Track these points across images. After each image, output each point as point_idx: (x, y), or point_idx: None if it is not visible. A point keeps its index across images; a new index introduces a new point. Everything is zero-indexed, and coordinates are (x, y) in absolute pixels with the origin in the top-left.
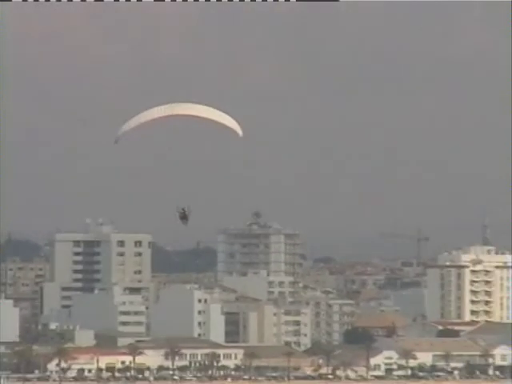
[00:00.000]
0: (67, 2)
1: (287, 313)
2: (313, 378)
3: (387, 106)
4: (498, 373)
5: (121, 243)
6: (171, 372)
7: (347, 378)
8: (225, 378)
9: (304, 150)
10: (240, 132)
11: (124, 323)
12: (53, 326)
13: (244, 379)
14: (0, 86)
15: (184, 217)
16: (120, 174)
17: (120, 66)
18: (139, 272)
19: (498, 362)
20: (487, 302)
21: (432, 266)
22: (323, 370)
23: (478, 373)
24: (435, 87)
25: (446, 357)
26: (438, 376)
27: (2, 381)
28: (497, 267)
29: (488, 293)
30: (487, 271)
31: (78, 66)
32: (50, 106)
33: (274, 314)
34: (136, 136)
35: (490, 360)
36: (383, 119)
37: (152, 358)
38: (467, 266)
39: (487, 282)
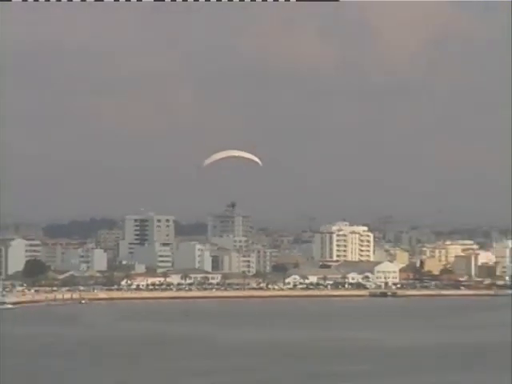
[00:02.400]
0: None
1: (243, 256)
2: (255, 289)
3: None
4: (350, 286)
5: (158, 221)
6: (184, 286)
7: (273, 288)
8: (211, 289)
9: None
10: (260, 163)
11: (160, 261)
12: (124, 262)
13: (222, 290)
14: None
15: (233, 206)
16: (159, 175)
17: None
18: (167, 235)
19: (351, 280)
20: (344, 251)
21: (317, 232)
22: (262, 285)
23: (340, 286)
24: None
25: (324, 278)
26: (319, 288)
27: (97, 290)
28: (350, 233)
29: (345, 246)
30: (345, 235)
31: None
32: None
33: (237, 257)
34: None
35: (346, 280)
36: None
37: (174, 279)
38: (334, 232)
39: (344, 241)
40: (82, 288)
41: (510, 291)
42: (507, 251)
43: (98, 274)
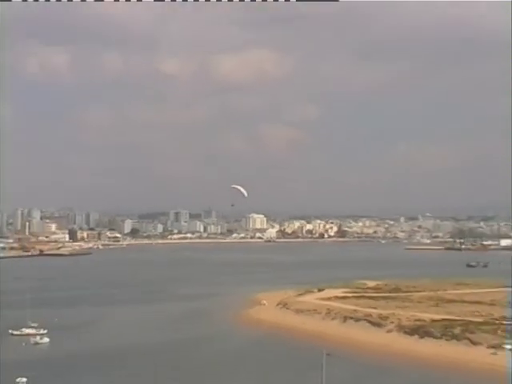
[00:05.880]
0: None
1: (215, 226)
2: (220, 239)
3: None
4: (257, 238)
5: (183, 213)
6: (192, 238)
7: (227, 239)
8: (203, 239)
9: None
10: (246, 194)
11: (183, 229)
12: (169, 229)
13: (207, 239)
14: None
15: (232, 205)
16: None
17: None
18: (186, 218)
19: (257, 235)
20: (254, 224)
21: (243, 217)
22: (222, 238)
23: (253, 238)
24: None
25: (246, 235)
26: (245, 239)
27: (159, 240)
28: (257, 217)
29: (254, 222)
30: (254, 218)
31: None
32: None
33: (213, 227)
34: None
35: (255, 236)
36: None
37: (189, 235)
38: (250, 218)
39: (254, 221)
40: (152, 239)
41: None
42: (317, 224)
43: (159, 234)
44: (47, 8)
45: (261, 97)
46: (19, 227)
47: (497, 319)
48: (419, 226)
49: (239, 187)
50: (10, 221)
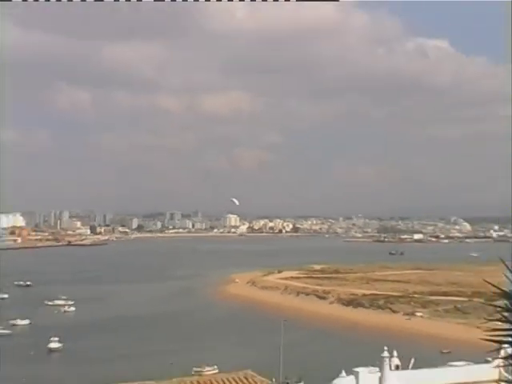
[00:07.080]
0: None
1: (200, 223)
2: (205, 234)
3: None
4: (233, 233)
5: (177, 214)
6: (183, 232)
7: (209, 233)
8: (192, 233)
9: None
10: (237, 203)
11: (176, 225)
12: (166, 225)
13: (195, 233)
14: None
15: (231, 213)
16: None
17: None
18: (179, 217)
19: (232, 231)
20: (230, 222)
21: (222, 217)
22: (206, 232)
23: (230, 233)
24: None
25: (225, 230)
26: (223, 233)
27: (158, 234)
28: (232, 217)
29: (230, 220)
30: (230, 218)
31: None
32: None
33: (199, 223)
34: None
35: (232, 231)
36: None
37: (181, 230)
38: (227, 217)
39: (230, 219)
40: (154, 233)
41: (287, 234)
42: (277, 222)
43: (158, 229)
44: (72, 51)
45: (238, 127)
46: (52, 224)
47: (410, 293)
48: (353, 224)
49: (234, 199)
50: (46, 219)
